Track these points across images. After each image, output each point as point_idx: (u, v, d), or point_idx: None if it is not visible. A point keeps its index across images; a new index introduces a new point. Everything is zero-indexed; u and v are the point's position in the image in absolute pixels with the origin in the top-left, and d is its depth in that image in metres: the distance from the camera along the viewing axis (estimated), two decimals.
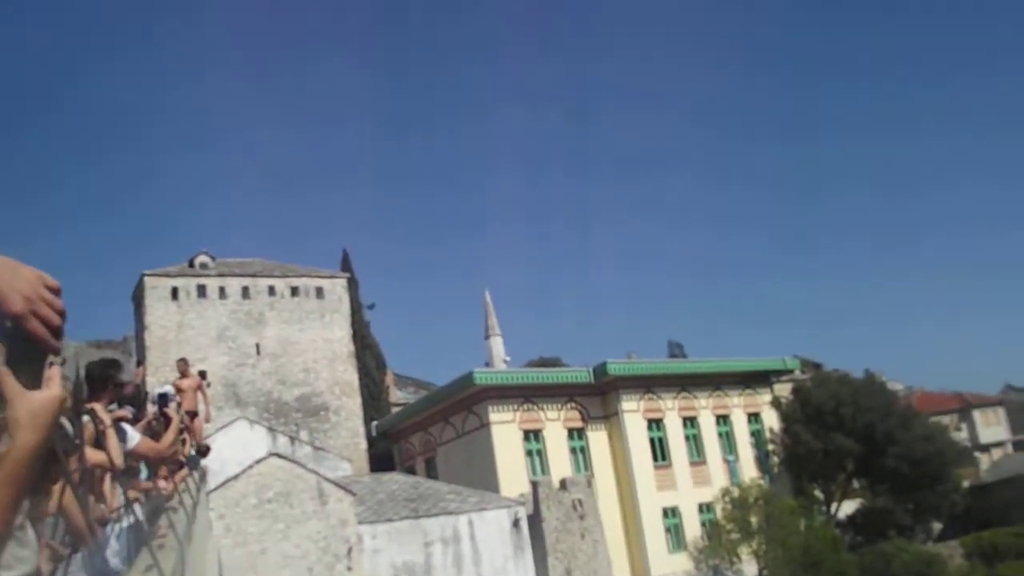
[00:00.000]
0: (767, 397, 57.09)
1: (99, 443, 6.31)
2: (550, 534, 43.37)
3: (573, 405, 51.11)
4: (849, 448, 53.85)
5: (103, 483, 6.73)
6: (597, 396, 51.43)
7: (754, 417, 56.23)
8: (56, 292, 1.94)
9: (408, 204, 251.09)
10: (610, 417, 51.41)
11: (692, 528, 50.46)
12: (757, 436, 56.01)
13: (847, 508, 56.97)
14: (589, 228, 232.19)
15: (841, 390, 56.15)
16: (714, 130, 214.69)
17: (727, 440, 54.49)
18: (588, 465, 50.19)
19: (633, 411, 51.10)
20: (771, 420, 56.47)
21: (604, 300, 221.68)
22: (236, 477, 38.05)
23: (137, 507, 7.92)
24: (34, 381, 1.87)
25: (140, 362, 23.12)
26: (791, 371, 59.08)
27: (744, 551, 48.78)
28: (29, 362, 1.88)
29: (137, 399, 11.83)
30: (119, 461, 6.65)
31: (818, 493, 56.45)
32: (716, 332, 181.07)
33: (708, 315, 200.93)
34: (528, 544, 42.67)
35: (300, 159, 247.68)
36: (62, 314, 1.93)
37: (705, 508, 51.26)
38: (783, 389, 58.67)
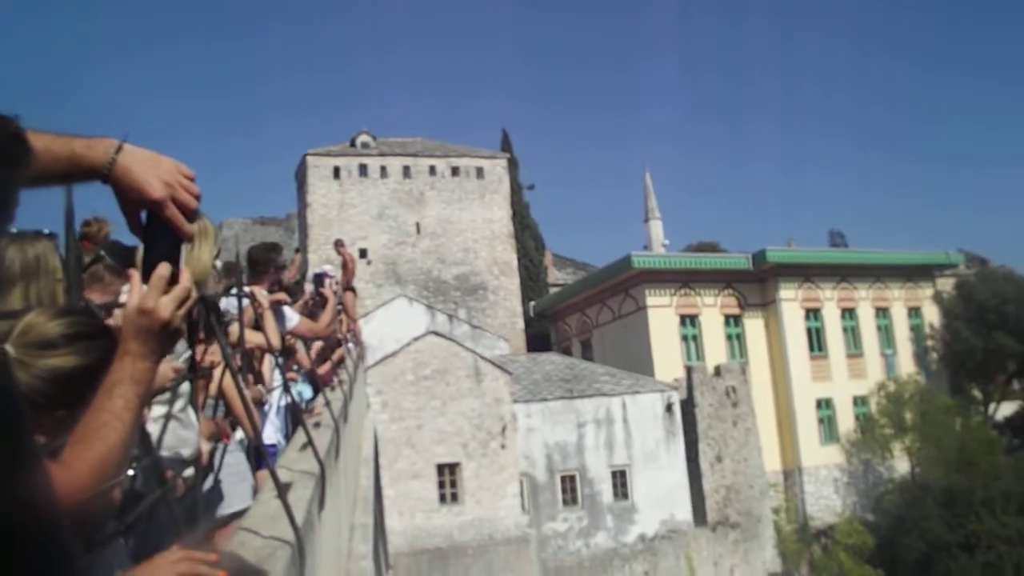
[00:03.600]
0: (929, 291, 55.45)
1: (258, 325, 6.47)
2: (702, 420, 43.44)
3: (730, 292, 50.61)
4: (1011, 348, 52.05)
5: (262, 364, 6.94)
6: (755, 283, 50.78)
7: (914, 311, 54.75)
8: (191, 180, 2.02)
9: (569, 85, 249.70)
10: (767, 305, 50.79)
11: (845, 421, 49.89)
12: (916, 331, 54.54)
13: (1006, 410, 55.42)
14: (751, 113, 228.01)
15: (1006, 287, 54.18)
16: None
17: (885, 334, 53.30)
18: (743, 352, 49.84)
19: (791, 300, 50.38)
20: (931, 315, 54.96)
21: (765, 186, 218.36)
22: (395, 354, 38.80)
23: (294, 387, 8.17)
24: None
25: (298, 249, 23.50)
26: (955, 265, 57.04)
27: (897, 447, 48.20)
28: (166, 252, 1.97)
29: (297, 288, 12.07)
30: (276, 342, 6.83)
31: (976, 393, 55.01)
32: (879, 223, 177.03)
33: (872, 205, 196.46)
34: (680, 429, 42.79)
35: (460, 41, 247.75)
36: (198, 198, 2.02)
37: (860, 401, 50.57)
38: (946, 284, 57.01)
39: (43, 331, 2.03)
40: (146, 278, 1.95)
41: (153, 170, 1.94)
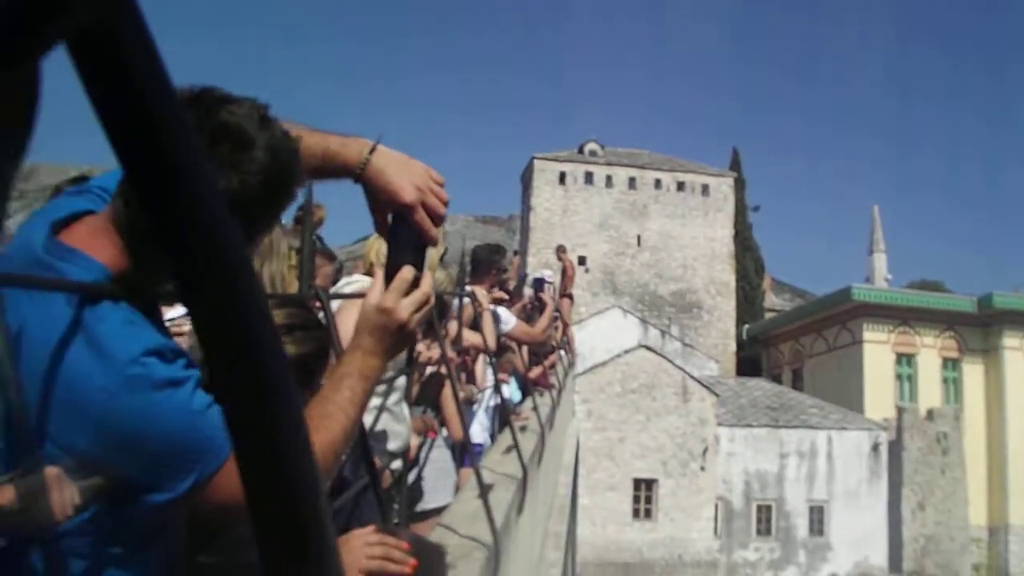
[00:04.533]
0: None
1: (475, 325, 6.55)
2: (909, 464, 42.10)
3: (951, 334, 48.86)
4: None
5: (476, 364, 7.02)
6: (978, 328, 48.86)
7: None
8: (442, 186, 2.05)
9: (802, 105, 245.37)
10: (989, 351, 48.79)
11: None
12: None
13: None
14: (990, 151, 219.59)
15: None
16: None
17: None
18: (959, 398, 47.95)
19: (1015, 348, 48.20)
20: None
21: (996, 228, 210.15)
22: (604, 364, 38.94)
23: (505, 388, 8.24)
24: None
25: (517, 252, 23.70)
26: None
27: None
28: (411, 256, 2.00)
29: (516, 289, 12.19)
30: (492, 343, 6.89)
31: None
32: None
33: None
34: (884, 470, 41.68)
35: (697, 53, 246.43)
36: (446, 204, 2.04)
37: None
38: None
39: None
40: (388, 279, 1.98)
41: (406, 173, 1.98)
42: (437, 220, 2.03)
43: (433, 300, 2.06)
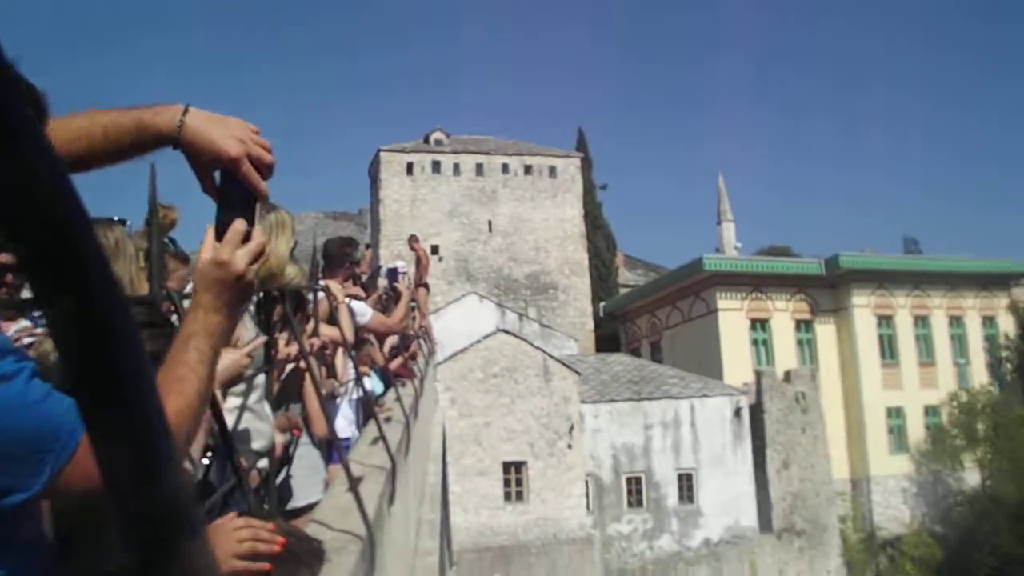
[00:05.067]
0: (1004, 301, 54.04)
1: (332, 319, 6.51)
2: (771, 425, 43.06)
3: (802, 296, 50.07)
4: None
5: (335, 358, 6.98)
6: (827, 289, 50.15)
7: (989, 321, 53.49)
8: (258, 134, 2.03)
9: (644, 82, 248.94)
10: (839, 311, 50.16)
11: (916, 431, 48.97)
12: (991, 341, 53.23)
13: None
14: (826, 116, 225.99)
15: None
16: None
17: (959, 343, 52.19)
18: (814, 358, 49.21)
19: (863, 306, 49.70)
20: (1007, 325, 53.55)
21: (838, 191, 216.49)
22: (464, 351, 38.94)
23: (366, 381, 8.20)
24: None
25: (369, 245, 23.60)
26: None
27: (968, 459, 47.40)
28: (241, 210, 1.98)
29: (370, 283, 12.13)
30: (350, 336, 6.87)
31: None
32: (955, 230, 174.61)
33: (948, 212, 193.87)
34: (748, 434, 42.47)
35: (534, 40, 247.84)
36: (270, 151, 2.02)
37: (931, 411, 49.64)
38: (1022, 293, 55.85)
39: None
40: (220, 235, 1.96)
41: (225, 129, 1.96)
42: (266, 171, 2.00)
43: (267, 251, 2.04)
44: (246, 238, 1.96)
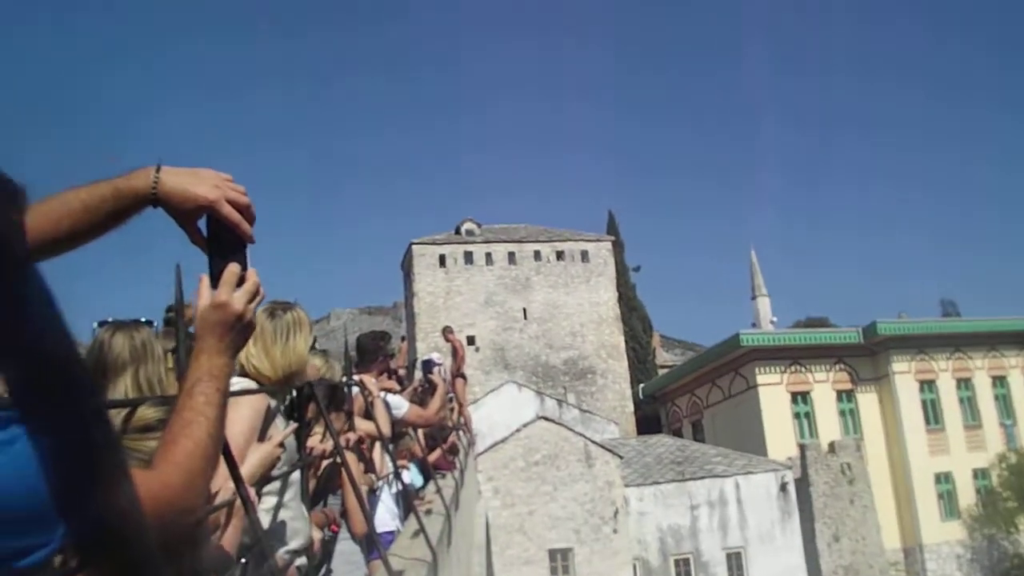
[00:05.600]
0: None
1: (368, 413, 6.55)
2: (818, 498, 42.58)
3: (842, 367, 49.77)
4: None
5: (372, 452, 7.00)
6: (867, 357, 49.87)
7: None
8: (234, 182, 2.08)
9: (669, 159, 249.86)
10: (880, 379, 49.80)
11: (966, 495, 48.24)
12: None
13: None
14: (857, 185, 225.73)
15: None
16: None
17: (1003, 403, 51.55)
18: (857, 428, 48.78)
19: (904, 372, 49.33)
20: None
21: (873, 259, 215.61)
22: (504, 440, 38.84)
23: (405, 474, 8.21)
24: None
25: (404, 338, 23.65)
26: None
27: (1022, 521, 46.62)
28: (231, 255, 2.03)
29: (406, 376, 12.18)
30: (387, 430, 6.89)
31: None
32: (992, 290, 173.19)
33: (983, 272, 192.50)
34: (795, 508, 42.01)
35: (560, 124, 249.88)
36: (245, 195, 2.06)
37: (980, 474, 48.93)
38: None
39: (143, 417, 2.18)
40: (215, 284, 2.01)
41: (198, 179, 2.02)
42: (247, 213, 2.06)
43: (263, 292, 2.08)
44: (241, 281, 2.01)
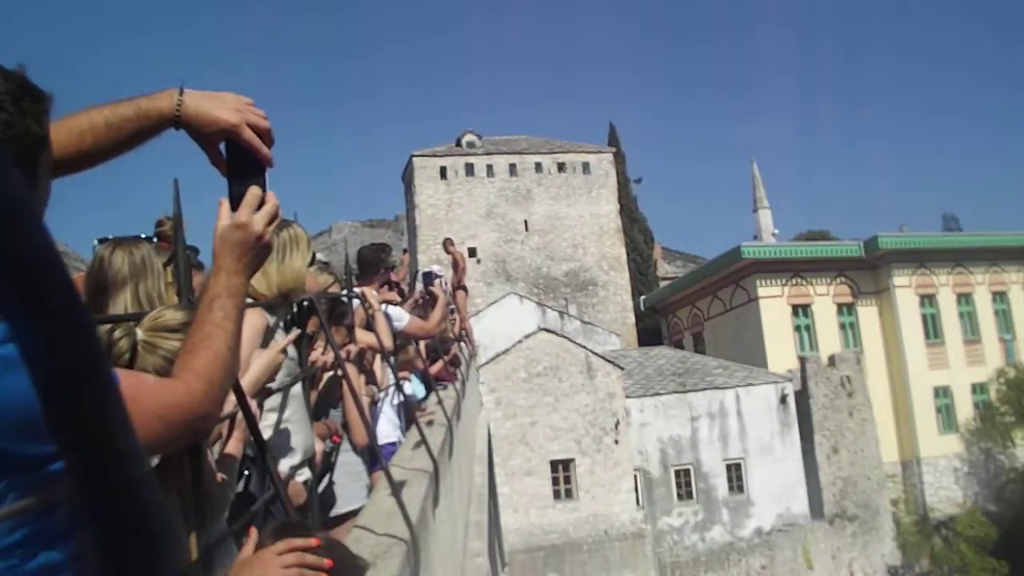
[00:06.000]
0: None
1: (369, 325, 6.53)
2: (817, 411, 42.84)
3: (842, 280, 49.75)
4: None
5: (373, 364, 7.00)
6: (867, 271, 49.85)
7: None
8: (255, 106, 2.13)
9: (670, 66, 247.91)
10: (881, 292, 49.82)
11: (964, 409, 48.53)
12: None
13: None
14: (859, 96, 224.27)
15: None
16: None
17: (1003, 318, 51.63)
18: (857, 341, 48.90)
19: (905, 286, 49.34)
20: None
21: (874, 171, 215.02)
22: (506, 351, 38.95)
23: (407, 385, 8.23)
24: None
25: (406, 250, 23.54)
26: None
27: (1018, 435, 46.90)
28: (250, 179, 2.07)
29: (407, 288, 12.15)
30: (388, 342, 6.88)
31: None
32: (994, 204, 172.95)
33: (986, 186, 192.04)
34: (795, 420, 42.25)
35: (561, 35, 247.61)
36: (265, 119, 2.12)
37: (979, 389, 49.15)
38: None
39: (168, 318, 2.24)
40: (233, 204, 2.05)
41: (221, 102, 2.06)
42: (267, 137, 2.10)
43: (280, 211, 2.12)
44: (260, 203, 2.05)
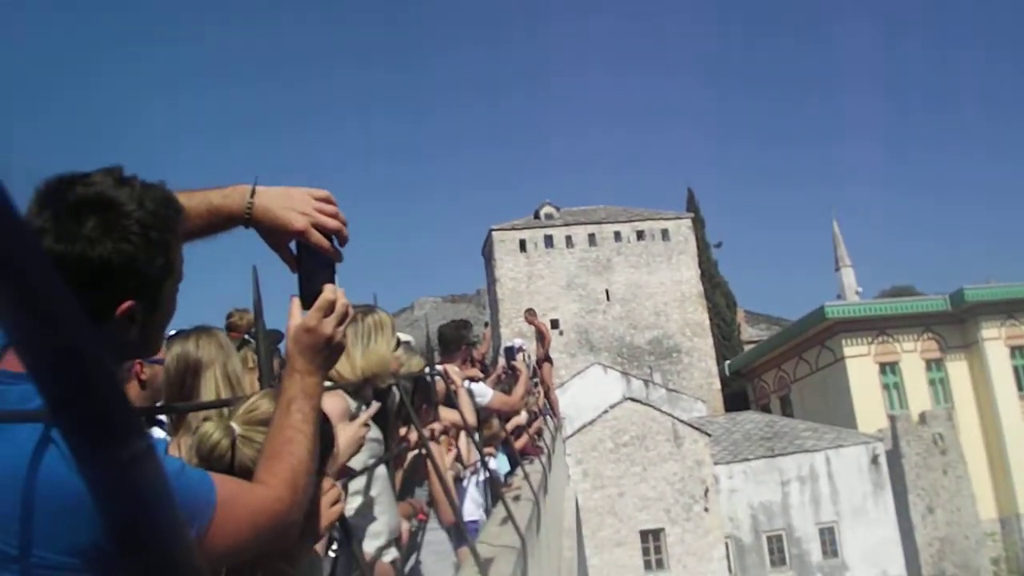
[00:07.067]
0: None
1: (451, 403, 6.60)
2: (910, 470, 42.02)
3: (930, 335, 49.04)
4: None
5: (458, 441, 7.06)
6: (955, 325, 49.04)
7: None
8: (328, 201, 2.14)
9: (750, 134, 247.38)
10: (969, 346, 48.95)
11: None
12: None
13: None
14: (943, 148, 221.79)
15: None
16: None
17: None
18: (948, 397, 48.02)
19: (994, 339, 48.41)
20: None
21: (959, 224, 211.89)
22: (592, 422, 38.87)
23: (492, 461, 8.26)
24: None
25: (487, 324, 23.71)
26: None
27: None
28: (323, 276, 2.10)
29: (490, 363, 12.23)
30: (472, 419, 6.94)
31: None
32: None
33: None
34: (887, 481, 41.54)
35: (638, 102, 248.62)
36: (337, 217, 2.13)
37: None
38: None
39: (263, 411, 2.18)
40: (305, 303, 2.09)
41: (289, 203, 2.08)
42: (337, 235, 2.13)
43: (351, 311, 2.15)
44: (332, 304, 2.07)
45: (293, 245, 2.12)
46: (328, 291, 2.08)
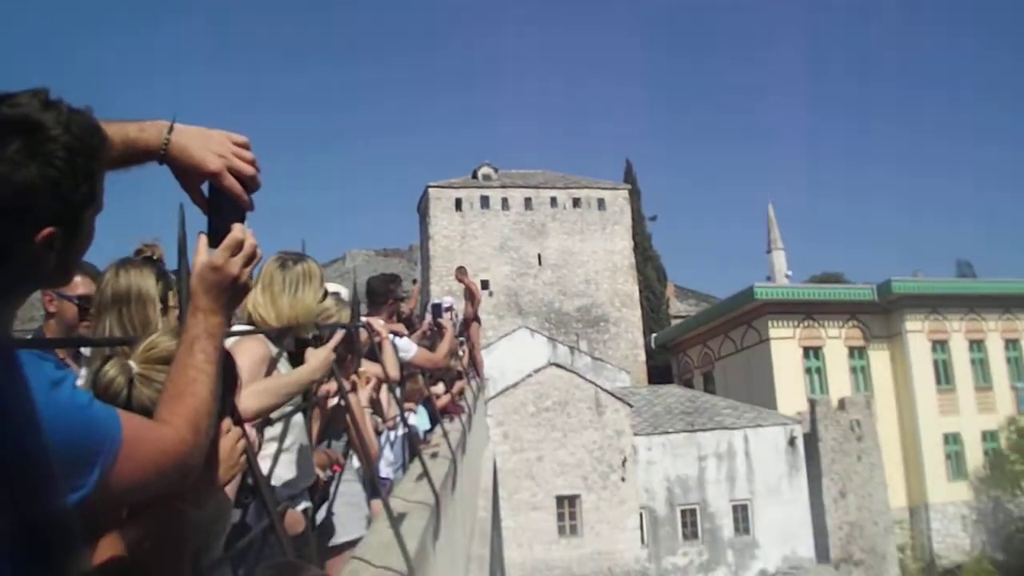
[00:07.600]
0: None
1: (374, 355, 6.52)
2: (826, 454, 42.57)
3: (855, 323, 49.65)
4: None
5: (380, 394, 6.98)
6: (880, 315, 49.72)
7: None
8: (245, 147, 2.12)
9: (693, 116, 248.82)
10: (893, 337, 49.67)
11: (974, 457, 48.20)
12: None
13: None
14: (875, 141, 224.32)
15: None
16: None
17: (1015, 366, 51.32)
18: (868, 385, 48.71)
19: (917, 331, 49.18)
20: None
21: (889, 216, 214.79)
22: (516, 385, 38.91)
23: (412, 417, 8.20)
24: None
25: (415, 281, 23.70)
26: None
27: None
28: (232, 217, 2.06)
29: (412, 320, 12.11)
30: (395, 373, 6.86)
31: None
32: (1009, 252, 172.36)
33: (1001, 234, 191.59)
34: (803, 463, 42.02)
35: (581, 71, 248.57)
36: (253, 164, 2.11)
37: (989, 436, 48.79)
38: None
39: (163, 349, 2.14)
40: (213, 244, 2.04)
41: (206, 144, 2.05)
42: (249, 182, 2.09)
43: (259, 252, 2.10)
44: (240, 244, 2.03)
45: (206, 188, 2.08)
46: (237, 230, 2.03)
